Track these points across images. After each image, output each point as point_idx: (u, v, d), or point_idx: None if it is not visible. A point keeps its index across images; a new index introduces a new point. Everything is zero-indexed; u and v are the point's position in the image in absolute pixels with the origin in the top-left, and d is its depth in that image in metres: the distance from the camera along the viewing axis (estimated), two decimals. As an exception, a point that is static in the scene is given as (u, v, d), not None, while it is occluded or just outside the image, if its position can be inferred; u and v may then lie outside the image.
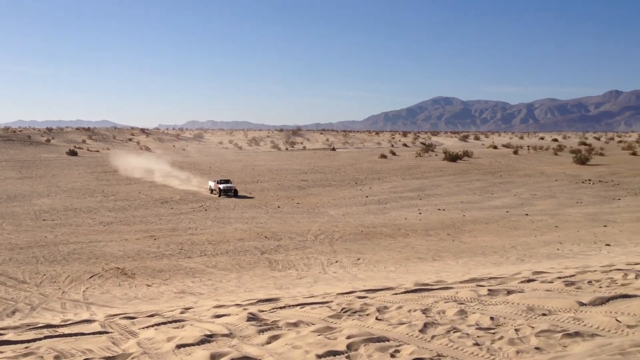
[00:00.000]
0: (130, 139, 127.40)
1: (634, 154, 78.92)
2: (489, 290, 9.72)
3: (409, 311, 8.32)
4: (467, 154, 78.87)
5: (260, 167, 69.59)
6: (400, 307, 8.66)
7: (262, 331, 7.57)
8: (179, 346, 7.02)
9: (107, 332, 8.21)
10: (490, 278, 11.78)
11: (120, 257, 23.44)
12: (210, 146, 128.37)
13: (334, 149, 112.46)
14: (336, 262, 22.36)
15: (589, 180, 51.95)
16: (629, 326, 6.73)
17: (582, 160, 66.25)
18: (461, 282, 11.39)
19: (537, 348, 6.14)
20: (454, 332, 6.93)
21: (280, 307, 9.55)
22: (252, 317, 8.51)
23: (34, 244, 26.22)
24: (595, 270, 11.84)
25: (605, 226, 29.73)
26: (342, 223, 32.24)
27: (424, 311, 8.25)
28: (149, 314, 9.81)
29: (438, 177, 57.52)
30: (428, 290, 10.42)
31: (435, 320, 7.65)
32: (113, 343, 7.54)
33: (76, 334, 8.14)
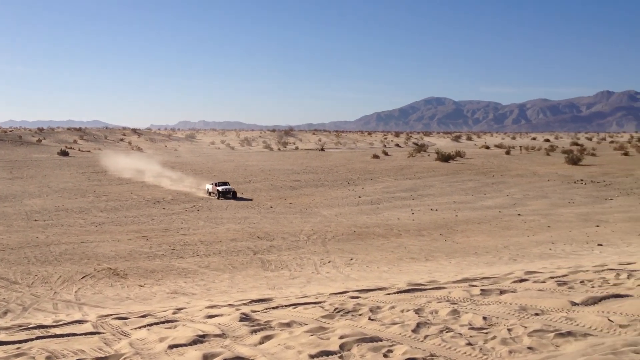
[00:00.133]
0: (121, 139, 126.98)
1: (626, 154, 79.31)
2: (481, 290, 9.74)
3: (402, 311, 8.32)
4: (459, 154, 79.03)
5: (252, 167, 69.49)
6: (393, 307, 8.66)
7: (254, 331, 7.56)
8: (171, 346, 7.00)
9: (99, 333, 8.18)
10: (483, 278, 11.80)
11: (113, 257, 23.35)
12: (202, 146, 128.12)
13: (322, 149, 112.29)
14: (329, 262, 22.35)
15: (581, 180, 52.16)
16: (621, 326, 6.75)
17: (574, 161, 66.50)
18: (454, 282, 11.40)
19: (529, 348, 6.15)
20: (446, 332, 6.93)
21: (273, 308, 9.53)
22: (244, 318, 8.49)
23: (26, 244, 26.08)
24: (587, 270, 11.88)
25: (598, 226, 29.86)
26: (335, 223, 32.23)
27: (417, 311, 8.25)
28: (142, 314, 9.77)
29: (430, 177, 57.61)
30: (421, 290, 10.43)
31: (428, 320, 7.65)
32: (105, 343, 7.51)
33: (68, 335, 8.10)
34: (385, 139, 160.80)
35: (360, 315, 8.34)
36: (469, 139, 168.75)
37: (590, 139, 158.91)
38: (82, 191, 46.65)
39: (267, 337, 7.17)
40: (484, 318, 7.55)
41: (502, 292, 9.51)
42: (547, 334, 6.57)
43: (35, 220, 33.21)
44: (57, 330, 8.46)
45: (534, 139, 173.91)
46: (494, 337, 6.59)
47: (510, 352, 6.03)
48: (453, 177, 57.40)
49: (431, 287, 10.78)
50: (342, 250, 24.87)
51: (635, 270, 11.24)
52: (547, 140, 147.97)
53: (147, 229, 30.55)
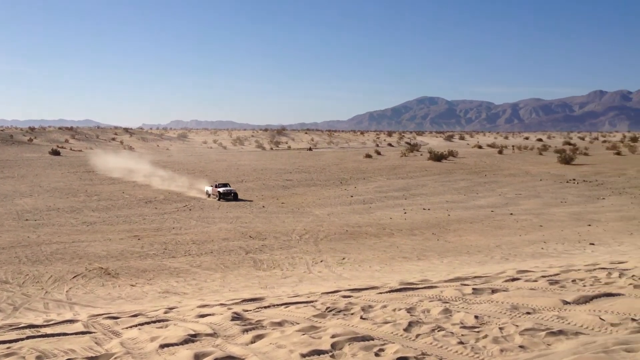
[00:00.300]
0: (113, 139, 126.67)
1: (618, 153, 79.68)
2: (473, 289, 9.75)
3: (394, 310, 8.31)
4: (452, 153, 79.21)
5: (244, 166, 69.42)
6: (385, 306, 8.66)
7: (246, 331, 7.53)
8: (162, 346, 6.96)
9: (90, 332, 8.13)
10: (475, 277, 11.81)
11: (104, 257, 23.25)
12: (195, 146, 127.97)
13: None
14: (321, 261, 22.34)
15: (574, 179, 52.38)
16: (612, 324, 6.77)
17: (567, 160, 66.75)
18: (446, 281, 11.41)
19: (521, 346, 6.15)
20: (438, 331, 6.93)
21: (265, 307, 9.51)
22: (236, 317, 8.46)
23: (17, 244, 25.94)
24: (579, 269, 11.92)
25: (590, 225, 29.99)
26: (327, 222, 32.22)
27: (409, 310, 8.25)
28: (133, 313, 9.73)
29: (423, 176, 57.71)
30: (413, 289, 10.43)
31: (420, 319, 7.65)
32: (96, 343, 7.47)
33: (59, 334, 8.05)
34: (378, 138, 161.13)
35: (352, 314, 8.33)
36: (462, 138, 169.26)
37: (582, 139, 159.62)
38: (74, 191, 46.47)
39: (259, 337, 7.14)
40: (476, 317, 7.55)
41: (494, 291, 9.52)
42: (538, 332, 6.57)
43: (27, 219, 33.04)
44: (48, 330, 8.40)
45: (527, 138, 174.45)
46: (486, 336, 6.59)
47: (501, 350, 6.04)
48: (445, 176, 57.52)
49: (423, 286, 10.79)
50: (334, 249, 24.87)
51: (626, 269, 11.29)
52: (540, 140, 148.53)
53: (138, 228, 30.45)
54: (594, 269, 11.67)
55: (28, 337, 7.89)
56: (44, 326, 8.78)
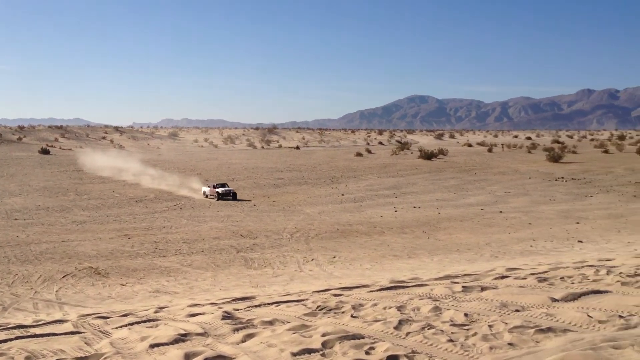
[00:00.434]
0: (103, 138, 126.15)
1: (606, 151, 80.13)
2: (463, 287, 9.79)
3: (384, 308, 8.34)
4: (442, 152, 79.45)
5: (235, 165, 69.31)
6: (375, 305, 8.68)
7: (237, 330, 7.53)
8: (152, 346, 6.95)
9: (79, 332, 8.10)
10: (465, 275, 11.87)
11: (94, 256, 23.16)
12: (186, 144, 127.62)
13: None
14: (312, 260, 22.36)
15: (562, 177, 52.67)
16: (600, 321, 6.82)
17: (555, 158, 67.08)
18: (436, 279, 11.46)
19: (510, 344, 6.19)
20: (428, 329, 6.95)
21: (256, 306, 9.51)
22: (227, 316, 8.46)
23: (6, 243, 25.79)
24: (567, 267, 12.01)
25: (578, 223, 30.18)
26: (318, 221, 32.24)
27: (399, 308, 8.27)
28: (123, 313, 9.71)
29: (413, 175, 57.84)
30: (403, 287, 10.46)
31: (410, 317, 7.68)
32: (86, 343, 7.44)
33: (48, 335, 8.01)
34: (369, 136, 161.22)
35: (342, 312, 8.34)
36: (452, 136, 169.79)
37: (571, 137, 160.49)
38: (63, 190, 46.24)
39: (249, 336, 7.14)
40: (465, 315, 7.59)
41: (483, 288, 9.56)
42: (527, 330, 6.61)
43: (16, 219, 32.85)
44: (37, 330, 8.36)
45: (516, 136, 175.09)
46: (475, 334, 6.62)
47: (491, 348, 6.07)
48: (436, 174, 57.68)
49: (413, 284, 10.82)
50: (325, 248, 24.89)
51: (614, 267, 11.38)
52: (529, 138, 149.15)
53: (129, 227, 30.35)
54: (582, 267, 11.75)
55: (17, 338, 7.85)
56: (33, 326, 8.74)
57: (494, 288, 9.57)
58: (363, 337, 6.75)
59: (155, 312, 9.83)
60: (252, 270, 20.70)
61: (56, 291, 17.79)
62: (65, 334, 8.04)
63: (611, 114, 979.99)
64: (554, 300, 8.19)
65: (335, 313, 8.36)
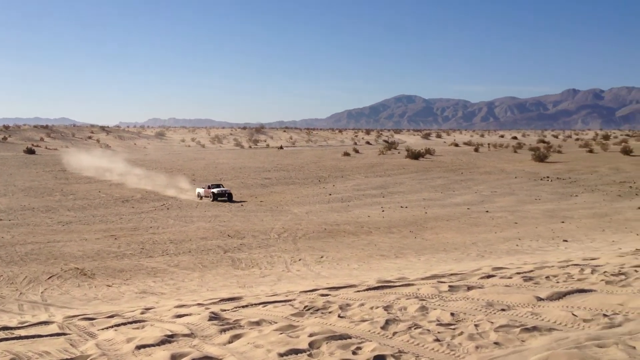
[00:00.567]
0: (89, 137, 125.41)
1: (591, 151, 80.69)
2: (449, 286, 9.84)
3: (371, 308, 8.36)
4: (429, 151, 79.69)
5: (223, 165, 69.15)
6: (362, 305, 8.71)
7: (223, 330, 7.52)
8: (138, 347, 6.93)
9: (65, 334, 8.06)
10: (451, 274, 11.94)
11: (80, 257, 23.02)
12: (173, 144, 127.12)
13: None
14: (299, 260, 22.37)
15: (547, 177, 53.04)
16: (584, 320, 6.89)
17: (541, 158, 67.48)
18: (423, 279, 11.51)
19: (496, 343, 6.23)
20: (415, 329, 6.99)
21: (243, 306, 9.51)
22: (214, 317, 8.45)
23: (-10, 244, 25.55)
24: (552, 266, 12.11)
25: (563, 222, 30.42)
26: (306, 221, 32.25)
27: (386, 308, 8.30)
28: (109, 314, 9.67)
29: (401, 174, 57.99)
30: (390, 287, 10.50)
31: (397, 317, 7.71)
32: (71, 345, 7.41)
33: (33, 336, 7.97)
34: (356, 136, 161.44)
35: (329, 312, 8.36)
36: (439, 136, 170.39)
37: (556, 137, 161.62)
38: (49, 190, 45.90)
39: (236, 336, 7.14)
40: (452, 314, 7.63)
41: (469, 288, 9.62)
42: (513, 329, 6.67)
43: (0, 219, 32.56)
44: (22, 332, 8.31)
45: (502, 136, 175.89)
46: (461, 333, 6.66)
47: (477, 347, 6.11)
48: (423, 174, 57.87)
49: (400, 284, 10.87)
50: (312, 248, 24.90)
51: (598, 266, 11.49)
52: (515, 138, 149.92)
53: (115, 228, 30.19)
54: (567, 266, 11.86)
55: (2, 340, 7.80)
56: (18, 328, 8.69)
57: (480, 287, 9.63)
58: (350, 337, 6.77)
59: (142, 313, 9.80)
60: (240, 270, 20.67)
61: (42, 292, 17.66)
62: (51, 335, 8.00)
63: (596, 113, 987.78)
64: (540, 299, 8.25)
65: (322, 313, 8.38)
